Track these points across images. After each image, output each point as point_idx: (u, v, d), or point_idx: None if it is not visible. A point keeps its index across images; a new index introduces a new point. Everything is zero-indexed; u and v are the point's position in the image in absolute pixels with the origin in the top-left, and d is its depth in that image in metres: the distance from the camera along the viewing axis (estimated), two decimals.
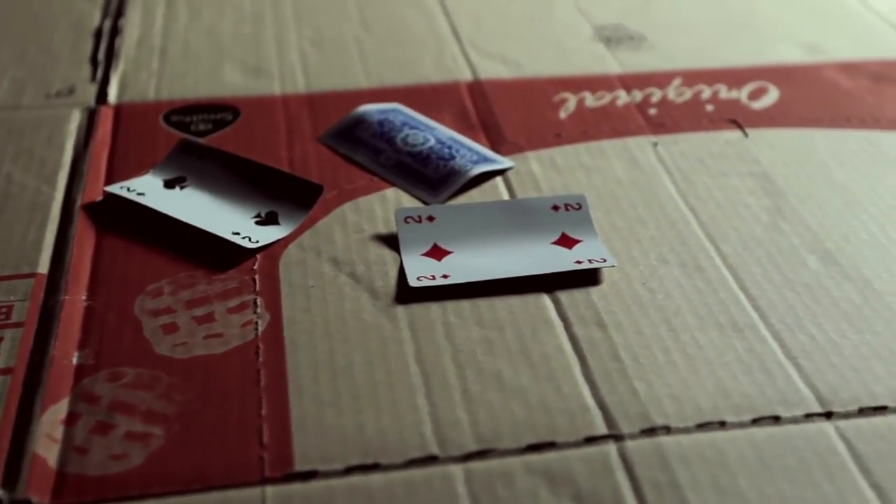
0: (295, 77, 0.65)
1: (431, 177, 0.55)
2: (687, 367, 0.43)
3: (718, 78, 0.66)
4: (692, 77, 0.66)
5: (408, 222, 0.51)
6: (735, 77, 0.66)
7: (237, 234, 0.50)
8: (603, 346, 0.44)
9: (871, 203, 0.54)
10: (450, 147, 0.57)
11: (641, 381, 0.43)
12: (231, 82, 0.65)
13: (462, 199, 0.54)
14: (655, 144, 0.58)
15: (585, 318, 0.46)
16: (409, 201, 0.54)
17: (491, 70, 0.66)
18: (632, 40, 0.70)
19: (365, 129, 0.59)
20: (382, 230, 0.51)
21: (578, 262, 0.49)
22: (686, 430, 0.41)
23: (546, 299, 0.47)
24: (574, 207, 0.52)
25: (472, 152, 0.57)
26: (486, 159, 0.57)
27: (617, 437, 0.41)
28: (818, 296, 0.48)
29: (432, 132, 0.58)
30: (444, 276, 0.48)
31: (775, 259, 0.50)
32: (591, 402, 0.42)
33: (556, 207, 0.52)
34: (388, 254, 0.50)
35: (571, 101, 0.63)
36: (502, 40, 0.70)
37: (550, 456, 0.40)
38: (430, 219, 0.51)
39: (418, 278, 0.48)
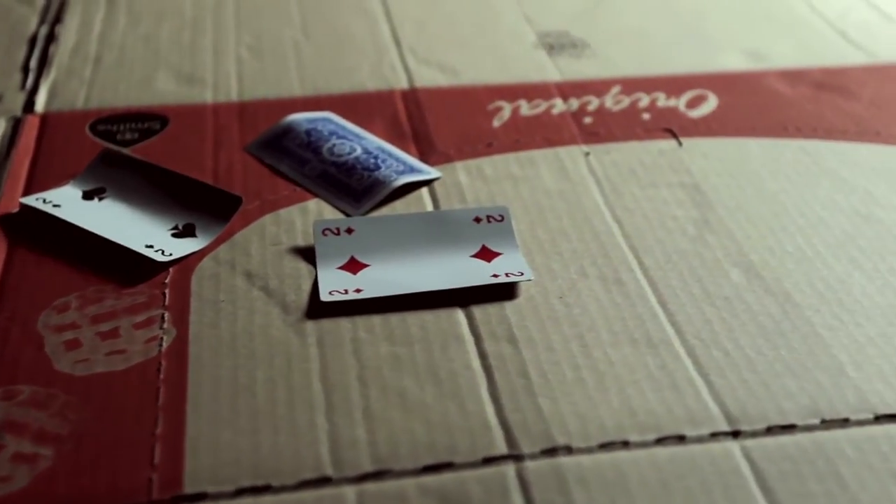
0: (228, 85, 0.65)
1: (355, 187, 0.54)
2: (595, 385, 0.42)
3: (658, 86, 0.65)
4: (631, 85, 0.65)
5: (326, 235, 0.50)
6: (675, 85, 0.65)
7: (150, 246, 0.50)
8: (512, 363, 0.43)
9: (800, 214, 0.53)
10: (376, 157, 0.56)
11: (547, 399, 0.42)
12: (163, 90, 0.64)
13: (385, 211, 0.54)
14: (587, 154, 0.58)
15: (497, 334, 0.45)
16: (331, 213, 0.53)
17: (427, 78, 0.66)
18: (574, 47, 0.69)
19: (292, 139, 0.58)
20: (301, 243, 0.50)
21: (495, 276, 0.48)
22: (588, 451, 0.40)
23: (460, 314, 0.46)
24: (496, 219, 0.51)
25: (399, 162, 0.56)
26: (412, 170, 0.56)
27: (516, 458, 0.40)
28: (737, 310, 0.47)
29: (360, 142, 0.57)
30: (357, 291, 0.47)
31: (697, 272, 0.49)
32: (493, 420, 0.41)
33: (477, 219, 0.51)
34: (303, 267, 0.49)
35: (506, 110, 0.62)
36: (443, 47, 0.69)
37: (447, 477, 0.39)
38: (349, 231, 0.50)
39: (330, 293, 0.47)
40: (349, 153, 0.57)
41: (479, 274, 0.48)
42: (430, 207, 0.54)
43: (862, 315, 0.47)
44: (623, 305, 0.47)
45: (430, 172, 0.56)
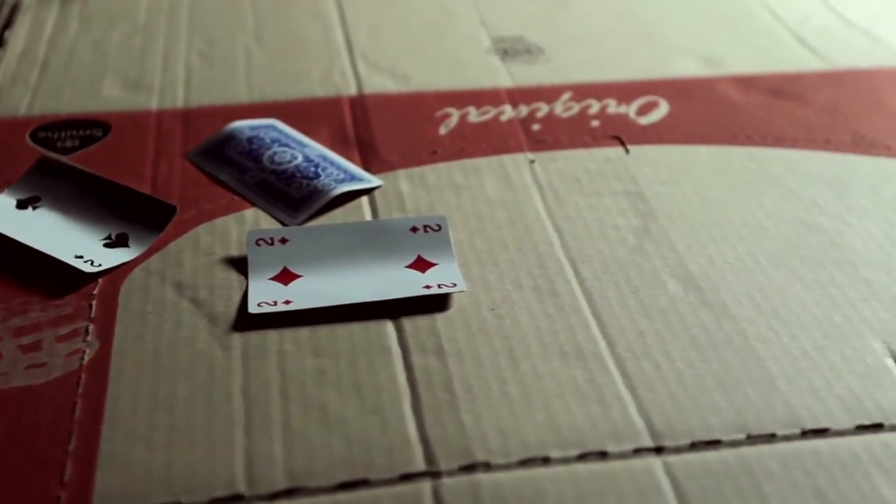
0: (175, 91, 0.64)
1: (293, 196, 0.54)
2: (520, 399, 0.42)
3: (609, 92, 0.64)
4: (583, 91, 0.64)
5: (259, 245, 0.49)
6: (627, 91, 0.64)
7: (80, 257, 0.49)
8: (438, 377, 0.43)
9: (743, 224, 0.53)
10: (317, 166, 0.56)
11: (470, 414, 0.41)
12: (108, 97, 0.63)
13: (323, 220, 0.53)
14: (532, 162, 0.57)
15: (426, 347, 0.44)
16: (269, 223, 0.53)
17: (377, 84, 0.65)
18: (529, 53, 0.69)
19: (233, 147, 0.57)
20: (235, 253, 0.50)
21: (427, 287, 0.47)
22: (506, 467, 0.39)
23: (389, 326, 0.45)
24: (433, 229, 0.51)
25: (340, 170, 0.56)
26: (353, 178, 0.55)
27: (434, 475, 0.39)
28: (671, 322, 0.46)
29: (302, 150, 0.57)
30: (287, 302, 0.46)
31: (634, 283, 0.48)
32: (414, 436, 0.40)
33: (414, 229, 0.51)
34: (235, 278, 0.48)
35: (454, 117, 0.62)
36: (396, 53, 0.69)
37: (362, 494, 0.38)
38: (283, 241, 0.50)
39: (259, 304, 0.46)
40: (290, 161, 0.56)
41: (411, 285, 0.48)
42: (368, 216, 0.53)
43: (798, 327, 0.46)
44: (556, 317, 0.47)
45: (371, 181, 0.55)
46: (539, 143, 0.59)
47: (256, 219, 0.53)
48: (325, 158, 0.57)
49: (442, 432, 0.41)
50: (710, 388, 0.43)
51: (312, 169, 0.55)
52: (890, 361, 0.44)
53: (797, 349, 0.45)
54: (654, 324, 0.47)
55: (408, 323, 0.46)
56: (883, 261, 0.50)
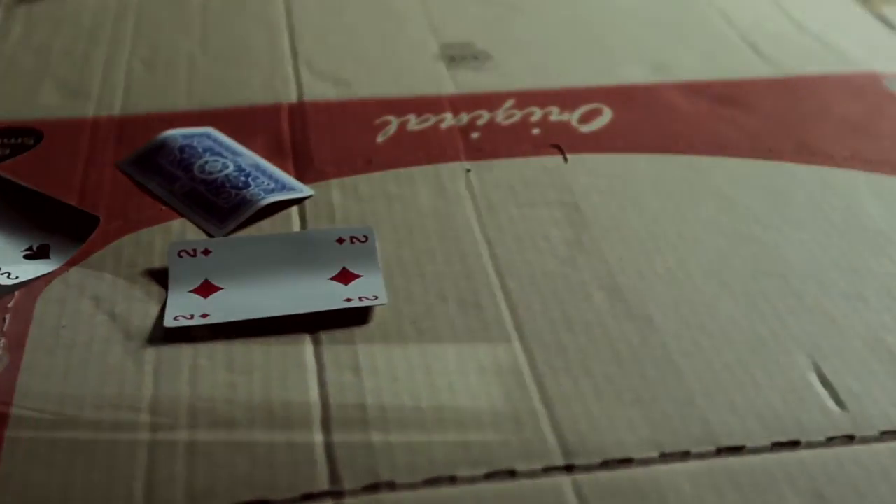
0: (113, 98, 0.63)
1: (221, 206, 0.53)
2: (433, 416, 0.41)
3: (553, 99, 0.63)
4: (526, 98, 0.64)
5: (181, 256, 0.49)
6: (571, 98, 0.64)
7: None
8: (351, 393, 0.42)
9: (677, 235, 0.52)
10: (247, 175, 0.55)
11: (380, 432, 0.40)
12: (45, 104, 0.63)
13: (251, 231, 0.52)
14: (468, 171, 0.56)
15: (341, 362, 0.44)
16: (196, 233, 0.52)
17: (318, 91, 0.64)
18: (476, 59, 0.68)
19: (165, 156, 0.56)
20: (158, 265, 0.49)
21: (348, 300, 0.46)
22: (412, 486, 0.38)
23: (307, 340, 0.45)
24: (360, 240, 0.50)
25: (272, 180, 0.55)
26: (283, 187, 0.54)
27: (336, 494, 0.38)
28: (594, 335, 0.45)
29: (235, 159, 0.56)
30: (204, 316, 0.45)
31: (561, 295, 0.48)
32: (321, 455, 0.39)
33: (340, 240, 0.50)
34: (156, 291, 0.47)
35: (393, 125, 0.61)
36: (341, 59, 0.68)
37: None
38: (206, 252, 0.49)
39: (175, 318, 0.45)
40: (220, 171, 0.55)
41: (332, 298, 0.47)
42: (297, 227, 0.52)
43: (723, 340, 0.45)
44: (477, 331, 0.46)
45: (303, 190, 0.55)
46: (477, 151, 0.58)
47: (183, 230, 0.52)
48: (257, 167, 0.56)
49: (349, 451, 0.40)
50: (627, 404, 0.42)
51: (243, 178, 0.55)
52: (813, 376, 0.43)
53: (720, 364, 0.44)
54: (577, 337, 0.46)
55: (326, 337, 0.45)
56: (815, 273, 0.49)
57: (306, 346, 0.45)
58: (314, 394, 0.43)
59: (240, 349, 0.45)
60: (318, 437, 0.41)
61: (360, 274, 0.49)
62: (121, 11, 0.75)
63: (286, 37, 0.72)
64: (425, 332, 0.46)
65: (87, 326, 0.46)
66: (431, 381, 0.44)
